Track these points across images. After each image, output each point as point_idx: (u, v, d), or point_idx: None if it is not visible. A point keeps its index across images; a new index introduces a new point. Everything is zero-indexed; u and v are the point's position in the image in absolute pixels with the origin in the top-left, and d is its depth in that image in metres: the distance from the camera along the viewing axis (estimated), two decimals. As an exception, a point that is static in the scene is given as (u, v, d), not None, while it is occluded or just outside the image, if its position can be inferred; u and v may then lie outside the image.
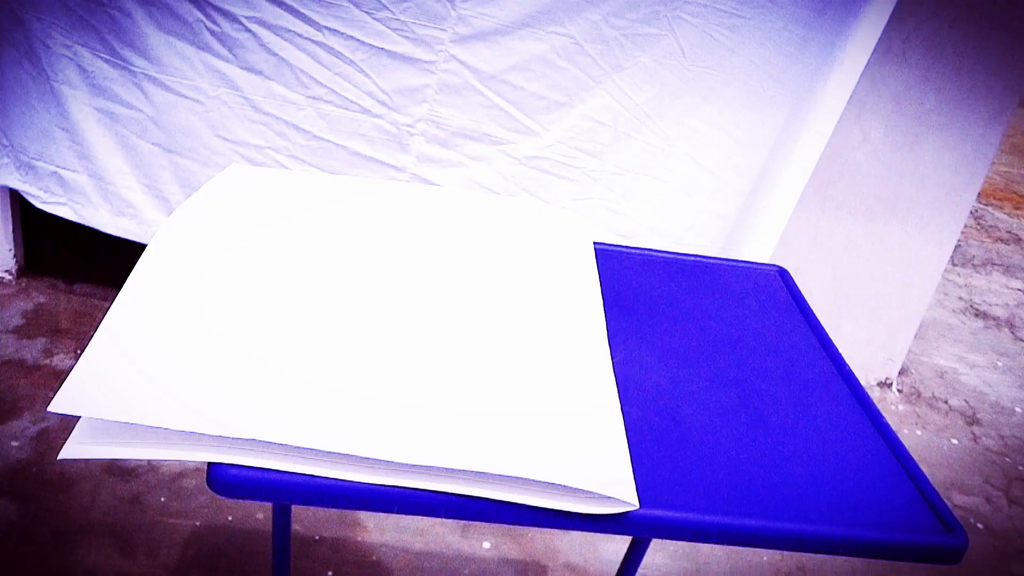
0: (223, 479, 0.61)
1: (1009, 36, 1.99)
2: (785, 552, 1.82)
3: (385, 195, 1.05)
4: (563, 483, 0.62)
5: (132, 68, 1.93)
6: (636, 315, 0.94)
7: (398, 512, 0.61)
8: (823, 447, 0.77)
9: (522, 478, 0.62)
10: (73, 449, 0.63)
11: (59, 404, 0.65)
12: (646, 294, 0.99)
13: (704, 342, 0.91)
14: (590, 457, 0.65)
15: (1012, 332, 3.00)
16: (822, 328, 0.97)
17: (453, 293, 0.86)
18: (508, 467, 0.63)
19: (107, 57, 1.91)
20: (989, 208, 4.12)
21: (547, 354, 0.78)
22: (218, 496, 0.61)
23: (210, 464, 0.61)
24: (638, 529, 0.64)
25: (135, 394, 0.65)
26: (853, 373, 0.89)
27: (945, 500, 0.73)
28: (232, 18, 1.88)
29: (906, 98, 2.07)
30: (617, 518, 0.63)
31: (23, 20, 1.90)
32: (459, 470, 0.62)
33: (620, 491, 0.63)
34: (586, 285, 0.93)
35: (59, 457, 0.62)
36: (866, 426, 0.81)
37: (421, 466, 0.62)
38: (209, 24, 1.89)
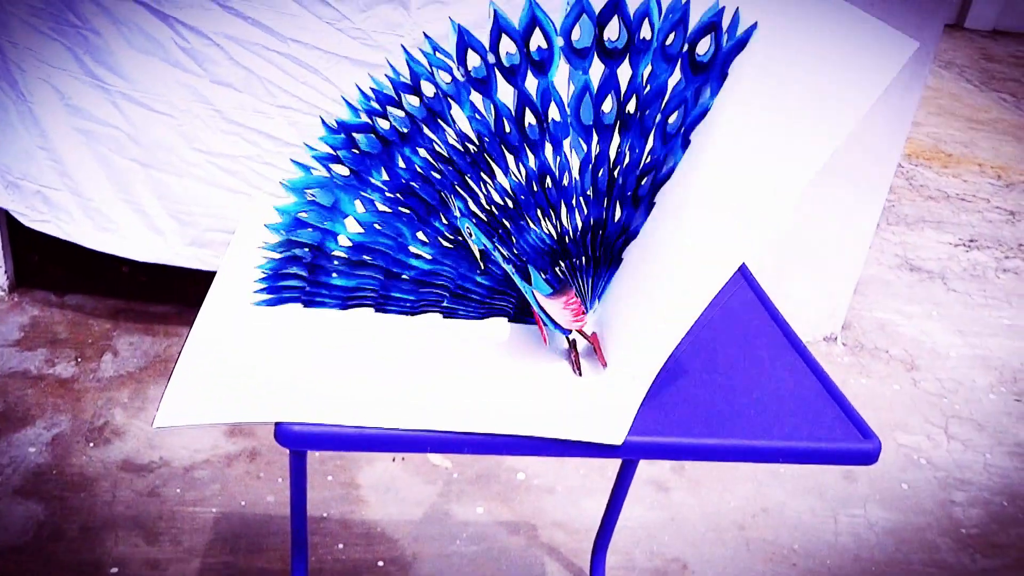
0: (289, 435, 0.76)
1: (918, 6, 2.19)
2: (749, 497, 2.00)
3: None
4: (564, 437, 0.80)
5: (106, 87, 2.02)
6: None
7: (431, 451, 0.76)
8: (762, 380, 0.93)
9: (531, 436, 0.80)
10: (164, 419, 0.76)
11: (163, 419, 0.76)
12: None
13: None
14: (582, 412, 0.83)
15: (944, 283, 3.22)
16: (756, 283, 1.15)
17: None
18: (523, 428, 0.80)
19: (81, 77, 2.00)
20: (919, 168, 4.36)
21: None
22: (284, 447, 0.75)
23: (276, 424, 0.76)
24: (622, 452, 0.80)
25: (221, 398, 0.79)
26: (784, 319, 1.06)
27: (862, 417, 0.89)
28: (201, 34, 1.99)
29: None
30: (607, 447, 0.79)
31: (-1, 46, 1.99)
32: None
33: (607, 437, 0.80)
34: None
35: (154, 425, 0.75)
36: (797, 361, 0.98)
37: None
38: (179, 41, 1.99)
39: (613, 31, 0.93)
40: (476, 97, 0.95)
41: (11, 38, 1.99)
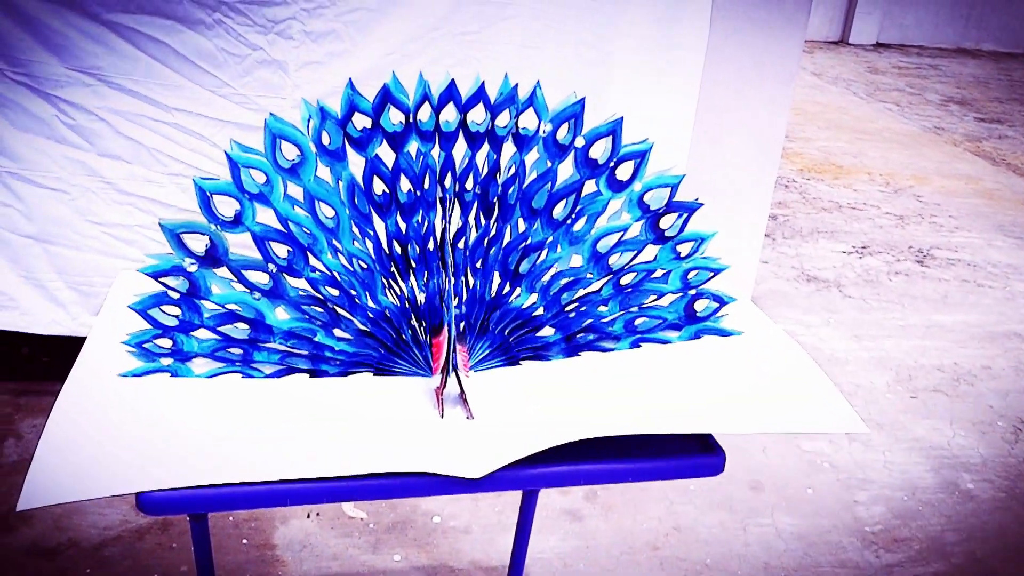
0: (152, 502, 0.78)
1: (781, 38, 2.32)
2: (661, 517, 2.05)
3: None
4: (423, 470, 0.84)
5: (-6, 169, 2.02)
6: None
7: (292, 504, 0.80)
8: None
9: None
10: (27, 501, 0.77)
11: (26, 501, 0.78)
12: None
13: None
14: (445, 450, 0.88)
15: (840, 291, 3.36)
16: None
17: None
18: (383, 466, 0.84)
19: (-33, 161, 2.00)
20: (811, 182, 4.54)
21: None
22: (148, 515, 0.78)
23: (137, 494, 0.78)
24: (483, 485, 0.84)
25: (85, 476, 0.81)
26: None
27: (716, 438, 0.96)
28: (85, 110, 2.00)
29: (707, 104, 2.37)
30: (467, 481, 0.84)
31: None
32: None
33: (466, 472, 0.84)
34: None
35: (17, 508, 0.76)
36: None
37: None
38: (64, 118, 2.00)
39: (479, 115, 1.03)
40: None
41: None
